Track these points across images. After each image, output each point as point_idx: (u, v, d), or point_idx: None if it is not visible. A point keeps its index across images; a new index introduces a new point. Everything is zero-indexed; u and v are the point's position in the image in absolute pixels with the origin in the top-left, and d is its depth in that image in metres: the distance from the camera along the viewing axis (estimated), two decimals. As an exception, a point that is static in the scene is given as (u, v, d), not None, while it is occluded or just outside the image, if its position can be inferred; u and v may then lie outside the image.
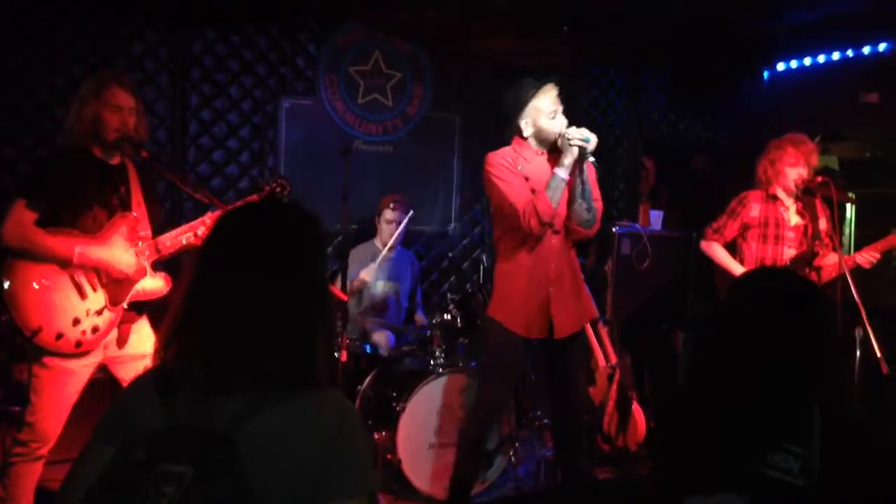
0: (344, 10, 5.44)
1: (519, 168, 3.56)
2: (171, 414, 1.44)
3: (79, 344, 3.09)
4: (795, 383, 1.82)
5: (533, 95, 3.57)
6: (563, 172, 3.45)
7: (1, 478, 3.11)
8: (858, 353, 3.90)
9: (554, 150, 3.59)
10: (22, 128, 4.73)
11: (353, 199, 4.18)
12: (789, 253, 4.40)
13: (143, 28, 5.04)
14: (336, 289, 4.15)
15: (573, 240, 3.69)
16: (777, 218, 4.42)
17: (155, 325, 3.28)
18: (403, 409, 4.09)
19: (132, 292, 3.24)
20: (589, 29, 5.39)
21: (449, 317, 4.51)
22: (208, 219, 3.34)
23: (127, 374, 3.24)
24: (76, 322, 3.07)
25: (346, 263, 4.19)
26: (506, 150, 3.64)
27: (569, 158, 3.45)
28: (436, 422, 4.18)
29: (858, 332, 3.85)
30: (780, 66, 6.03)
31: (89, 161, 3.20)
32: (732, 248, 4.56)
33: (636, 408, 4.76)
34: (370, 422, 4.27)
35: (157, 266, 3.36)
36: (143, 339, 3.32)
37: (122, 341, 3.28)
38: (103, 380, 3.41)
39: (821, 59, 5.71)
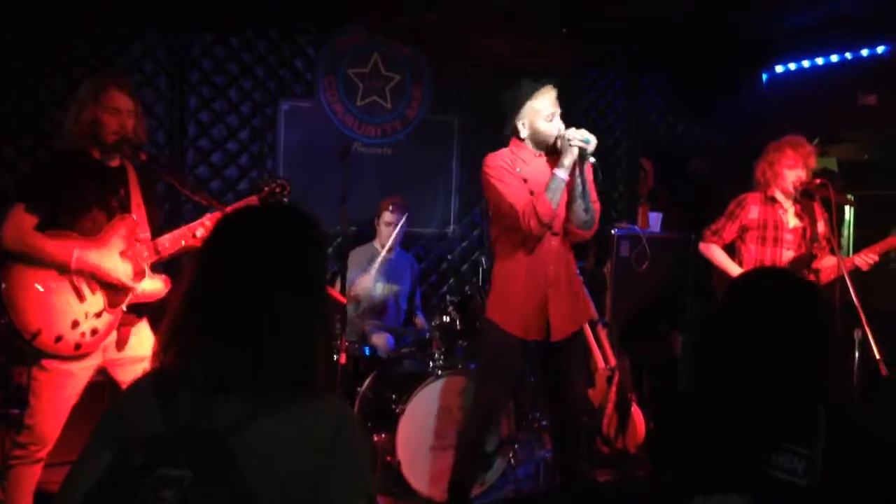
0: (343, 13, 5.45)
1: (517, 170, 3.55)
2: (170, 417, 1.44)
3: (78, 346, 3.08)
4: (795, 383, 1.83)
5: (531, 97, 3.56)
6: (562, 173, 3.44)
7: (0, 480, 3.11)
8: (857, 354, 3.90)
9: (553, 151, 3.59)
10: (22, 128, 4.73)
11: (352, 201, 4.18)
12: (788, 255, 4.41)
13: (141, 30, 5.04)
14: (335, 291, 4.15)
15: (571, 241, 3.69)
16: (776, 220, 4.42)
17: (155, 327, 3.28)
18: (403, 411, 4.09)
19: (131, 295, 3.24)
20: (588, 31, 5.39)
21: (448, 319, 4.51)
22: (207, 220, 3.35)
23: (127, 376, 3.24)
24: (75, 325, 3.07)
25: (346, 265, 4.19)
26: (504, 151, 3.64)
27: (568, 159, 3.44)
28: (435, 424, 4.18)
29: (857, 334, 3.85)
30: (779, 69, 6.04)
31: (88, 164, 3.20)
32: (731, 250, 4.56)
33: (635, 410, 4.76)
34: (369, 424, 4.27)
35: (157, 268, 3.36)
36: (143, 342, 3.32)
37: (121, 344, 3.27)
38: (102, 382, 3.41)
39: (819, 61, 5.72)
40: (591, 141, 3.43)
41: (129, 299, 3.23)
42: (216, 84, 5.28)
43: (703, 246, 4.62)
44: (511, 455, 4.34)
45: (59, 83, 4.74)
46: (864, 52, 5.41)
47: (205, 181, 5.27)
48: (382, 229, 5.07)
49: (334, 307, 3.91)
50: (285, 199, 3.66)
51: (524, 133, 3.61)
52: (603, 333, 4.89)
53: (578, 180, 3.51)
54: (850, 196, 5.06)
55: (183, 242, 3.33)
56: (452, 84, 5.97)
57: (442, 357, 4.42)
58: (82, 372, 3.14)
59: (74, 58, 4.82)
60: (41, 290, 3.04)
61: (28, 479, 3.08)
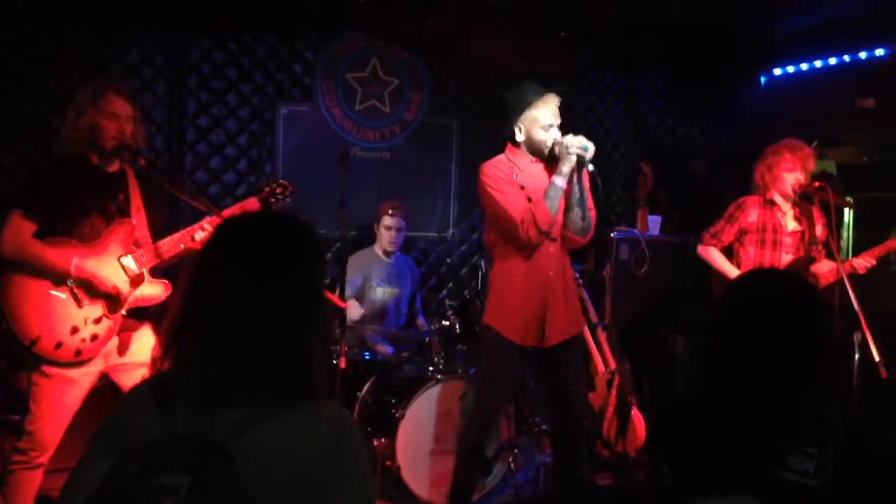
0: (342, 18, 5.45)
1: (514, 177, 3.55)
2: (168, 424, 1.44)
3: (78, 352, 3.08)
4: (794, 384, 1.82)
5: (532, 105, 3.55)
6: (560, 181, 3.44)
7: (0, 486, 3.10)
8: (857, 357, 3.90)
9: (551, 158, 3.58)
10: (19, 135, 4.72)
11: (351, 205, 4.18)
12: (786, 259, 4.41)
13: (139, 35, 5.04)
14: (334, 297, 4.15)
15: (568, 247, 3.68)
16: (775, 223, 4.42)
17: (158, 332, 3.27)
18: (402, 415, 4.09)
19: (130, 300, 3.24)
20: (586, 34, 5.40)
21: (447, 323, 4.51)
22: (206, 223, 3.34)
23: (129, 381, 3.23)
24: (75, 331, 3.07)
25: (345, 270, 4.19)
26: (500, 159, 3.63)
27: (567, 167, 3.43)
28: (435, 428, 4.18)
29: (857, 337, 3.85)
30: (778, 71, 6.04)
31: (86, 169, 3.20)
32: (729, 253, 4.56)
33: (635, 413, 4.76)
34: (369, 428, 4.27)
35: (158, 272, 3.35)
36: (145, 347, 3.31)
37: (123, 349, 3.27)
38: (103, 388, 3.40)
39: (818, 64, 5.73)
40: (590, 148, 3.42)
41: (128, 304, 3.23)
42: (215, 89, 5.28)
43: (701, 249, 4.62)
44: (511, 459, 4.34)
45: (56, 89, 4.74)
46: (863, 55, 5.41)
47: (203, 186, 5.27)
48: (382, 233, 5.07)
49: (333, 312, 3.91)
50: (287, 200, 3.65)
51: (520, 138, 3.61)
52: (602, 337, 4.89)
53: (576, 188, 3.50)
54: (849, 198, 5.06)
55: (182, 246, 3.32)
56: (451, 88, 5.97)
57: (441, 361, 4.42)
58: (83, 378, 3.14)
59: (72, 64, 4.81)
60: (40, 296, 3.04)
61: (28, 484, 3.08)
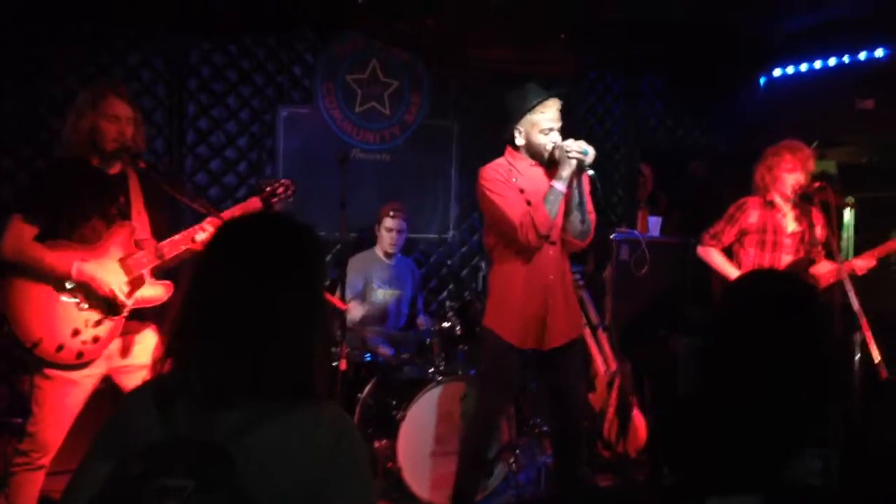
0: (341, 19, 5.45)
1: (514, 180, 3.54)
2: (169, 425, 1.44)
3: (80, 355, 3.08)
4: (796, 384, 1.83)
5: (533, 108, 3.54)
6: (560, 185, 3.43)
7: (2, 487, 3.11)
8: (858, 357, 3.90)
9: (551, 162, 3.58)
10: (20, 138, 4.73)
11: (352, 207, 4.19)
12: (786, 260, 4.40)
13: (139, 38, 5.05)
14: (335, 298, 4.15)
15: (567, 251, 3.68)
16: (775, 224, 4.42)
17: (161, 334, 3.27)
18: (403, 417, 4.09)
19: (129, 303, 3.24)
20: (586, 35, 5.40)
21: (448, 324, 4.51)
22: (207, 224, 3.34)
23: (132, 384, 3.22)
24: (76, 333, 3.07)
25: (345, 272, 4.19)
26: (500, 162, 3.63)
27: (567, 171, 3.43)
28: (436, 430, 4.18)
29: (857, 337, 3.85)
30: (777, 72, 6.04)
31: (87, 171, 3.20)
32: (729, 254, 4.56)
33: (636, 414, 4.76)
34: (370, 430, 4.27)
35: (161, 274, 3.35)
36: (148, 349, 3.30)
37: (126, 351, 3.27)
38: (105, 390, 3.40)
39: (817, 64, 5.73)
40: (590, 153, 3.41)
41: (128, 307, 3.23)
42: (215, 91, 5.29)
43: (701, 249, 4.62)
44: (512, 460, 4.33)
45: (56, 92, 4.75)
46: (862, 56, 5.41)
47: (203, 188, 5.28)
48: (383, 235, 5.08)
49: (334, 314, 3.91)
50: (290, 200, 3.65)
51: (520, 142, 3.60)
52: (603, 337, 4.89)
53: (576, 192, 3.50)
54: (849, 199, 5.06)
55: (183, 247, 3.32)
56: (451, 89, 5.98)
57: (442, 363, 4.43)
58: (86, 380, 3.14)
59: (72, 67, 4.82)
60: (41, 299, 3.04)
61: (30, 485, 3.08)
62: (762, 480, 1.77)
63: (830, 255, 4.29)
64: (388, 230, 5.04)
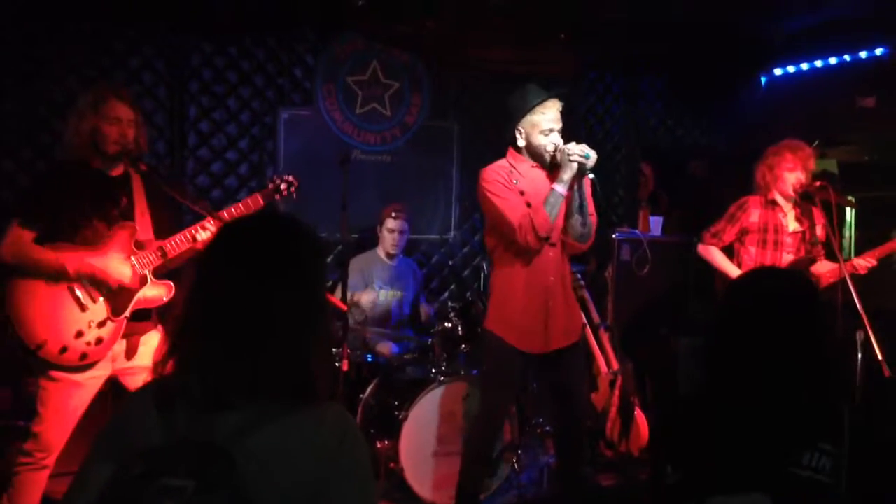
0: (341, 20, 5.45)
1: (514, 182, 3.54)
2: (170, 427, 1.45)
3: (84, 356, 3.09)
4: (797, 382, 1.83)
5: (533, 109, 3.53)
6: (561, 188, 3.43)
7: (6, 487, 3.11)
8: (860, 356, 3.90)
9: (552, 164, 3.57)
10: (20, 141, 4.74)
11: (353, 208, 4.19)
12: (787, 259, 4.41)
13: (140, 40, 5.06)
14: (336, 299, 4.15)
15: (568, 253, 3.68)
16: (776, 223, 4.42)
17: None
18: (405, 417, 4.09)
19: (133, 302, 3.24)
20: (586, 35, 5.40)
21: (450, 325, 4.52)
22: (208, 223, 3.34)
23: (138, 385, 3.23)
24: (79, 334, 3.08)
25: (346, 273, 4.19)
26: (501, 163, 3.63)
27: (568, 174, 3.42)
28: (438, 430, 4.18)
29: (860, 336, 3.85)
30: (778, 72, 6.05)
31: (88, 174, 3.20)
32: (729, 252, 4.56)
33: (638, 413, 4.76)
34: (372, 431, 4.27)
35: (163, 275, 3.35)
36: (153, 351, 3.31)
37: (131, 353, 3.28)
38: (106, 391, 3.41)
39: (818, 63, 5.73)
40: (591, 156, 3.40)
41: (132, 306, 3.23)
42: (215, 93, 5.29)
43: (701, 248, 4.62)
44: (515, 460, 4.34)
45: (57, 94, 4.75)
46: (863, 55, 5.41)
47: (205, 191, 5.28)
48: (385, 236, 5.08)
49: (335, 314, 3.91)
50: (294, 196, 3.66)
51: (521, 143, 3.60)
52: (605, 337, 4.89)
53: (577, 195, 3.49)
54: (850, 198, 5.06)
55: (185, 246, 3.32)
56: (451, 90, 5.98)
57: (444, 363, 4.43)
58: (90, 381, 3.15)
59: (73, 69, 4.83)
60: (44, 301, 3.05)
61: (34, 485, 3.09)
62: (764, 479, 1.77)
63: (831, 254, 4.29)
64: (390, 231, 5.05)
